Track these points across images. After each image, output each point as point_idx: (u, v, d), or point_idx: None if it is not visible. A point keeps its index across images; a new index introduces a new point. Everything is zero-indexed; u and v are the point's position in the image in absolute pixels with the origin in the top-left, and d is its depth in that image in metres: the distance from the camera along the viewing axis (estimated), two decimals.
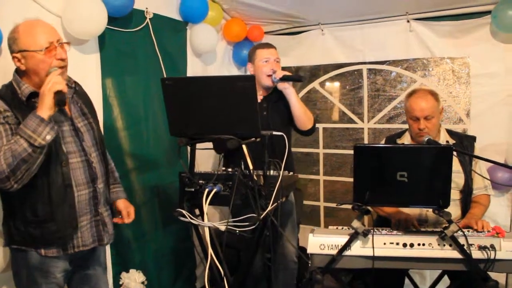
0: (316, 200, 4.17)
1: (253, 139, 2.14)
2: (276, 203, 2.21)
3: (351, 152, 3.86)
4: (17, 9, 2.42)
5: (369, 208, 2.22)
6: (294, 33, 4.11)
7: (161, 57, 3.34)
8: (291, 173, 2.60)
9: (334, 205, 4.08)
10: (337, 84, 4.13)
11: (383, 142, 2.96)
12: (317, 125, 3.91)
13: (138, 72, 3.19)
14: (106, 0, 2.76)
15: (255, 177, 2.16)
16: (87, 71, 2.83)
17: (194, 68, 3.75)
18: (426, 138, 2.54)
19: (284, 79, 2.86)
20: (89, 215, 2.12)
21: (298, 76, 2.94)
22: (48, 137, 1.82)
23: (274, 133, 2.32)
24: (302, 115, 2.92)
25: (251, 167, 2.15)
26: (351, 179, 3.85)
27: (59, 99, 1.87)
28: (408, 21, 3.55)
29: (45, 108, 1.83)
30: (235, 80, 2.03)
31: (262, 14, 3.95)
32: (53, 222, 1.96)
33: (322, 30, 3.93)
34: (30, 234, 1.96)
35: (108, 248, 2.76)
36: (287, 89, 2.89)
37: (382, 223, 2.72)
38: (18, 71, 1.99)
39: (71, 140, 2.05)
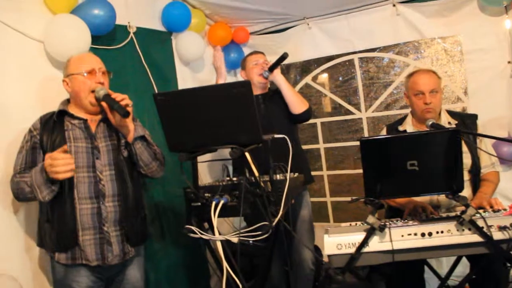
0: (322, 196, 4.13)
1: (256, 145, 2.07)
2: (286, 207, 2.14)
3: (352, 144, 3.92)
4: None
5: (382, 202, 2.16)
6: (280, 31, 4.07)
7: (150, 70, 3.27)
8: (296, 174, 2.54)
9: (341, 199, 4.04)
10: (329, 76, 4.08)
11: (384, 131, 2.90)
12: (315, 120, 3.90)
13: (127, 89, 3.11)
14: (87, 19, 2.69)
15: (262, 184, 2.09)
16: None
17: (184, 77, 3.69)
18: (430, 122, 2.48)
19: (271, 67, 3.01)
20: (93, 231, 2.15)
21: (281, 56, 2.94)
22: (47, 198, 2.03)
23: (276, 136, 2.26)
24: (294, 98, 3.01)
25: (256, 174, 2.08)
26: (355, 171, 3.91)
27: (120, 112, 2.13)
28: (394, 5, 3.51)
29: (57, 174, 1.98)
30: (230, 87, 1.95)
31: (246, 15, 3.91)
32: (59, 228, 2.11)
33: (308, 24, 3.89)
34: (48, 235, 2.13)
35: None
36: (276, 76, 3.01)
37: (393, 214, 2.67)
38: (68, 100, 2.33)
39: (83, 156, 2.18)
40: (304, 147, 4.14)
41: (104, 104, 2.20)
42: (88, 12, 2.72)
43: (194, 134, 2.08)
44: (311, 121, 3.68)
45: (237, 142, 2.01)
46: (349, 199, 3.90)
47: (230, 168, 3.14)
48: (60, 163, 1.94)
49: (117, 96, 2.18)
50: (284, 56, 2.97)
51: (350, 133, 3.96)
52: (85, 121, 2.25)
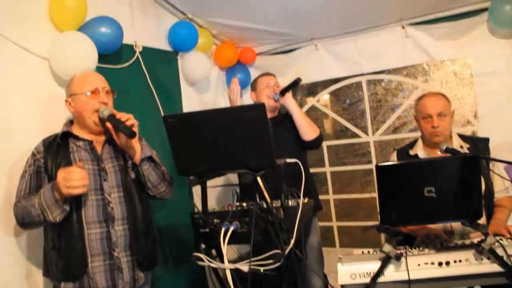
0: (329, 221, 4.04)
1: (268, 170, 2.00)
2: (299, 235, 2.07)
3: (359, 167, 3.86)
4: (2, 55, 2.33)
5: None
6: (287, 51, 4.04)
7: (155, 90, 3.24)
8: (306, 199, 2.47)
9: (347, 224, 3.95)
10: (336, 98, 4.05)
11: (394, 155, 2.84)
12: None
13: (132, 108, 3.03)
14: (94, 37, 2.65)
15: (274, 211, 2.01)
16: None
17: (189, 98, 3.66)
18: (444, 147, 2.42)
19: (283, 91, 2.92)
20: (102, 257, 2.07)
21: (294, 81, 2.89)
22: (58, 218, 1.94)
23: (288, 160, 2.20)
24: (305, 124, 2.93)
25: (269, 200, 2.01)
26: (362, 195, 3.84)
27: (126, 133, 2.05)
28: (403, 27, 3.49)
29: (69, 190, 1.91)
30: (244, 110, 1.88)
31: (253, 35, 3.89)
32: (67, 256, 2.02)
33: (316, 46, 3.86)
34: (55, 264, 2.04)
35: None
36: (288, 100, 2.93)
37: (405, 240, 2.58)
38: (71, 121, 2.27)
39: (90, 178, 2.08)
40: (310, 170, 4.07)
41: (108, 124, 2.13)
42: (95, 30, 2.68)
43: (204, 157, 2.01)
44: None
45: (248, 166, 1.94)
46: (356, 223, 3.88)
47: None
48: (76, 176, 1.88)
49: (122, 116, 2.11)
50: (297, 81, 2.93)
51: (357, 156, 3.90)
52: (90, 142, 2.19)
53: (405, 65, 3.61)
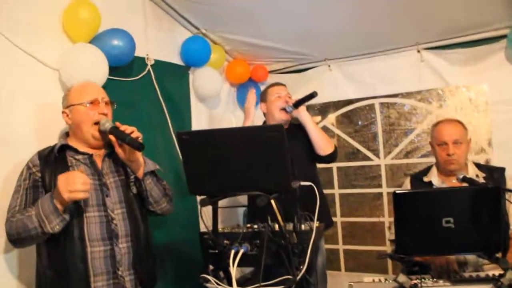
0: (335, 243, 3.96)
1: (283, 193, 1.94)
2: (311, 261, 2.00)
3: (369, 191, 3.79)
4: (12, 64, 2.31)
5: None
6: (300, 71, 4.01)
7: (165, 104, 3.19)
8: (317, 223, 2.40)
9: (354, 247, 3.87)
10: (348, 120, 3.98)
11: (407, 181, 2.78)
12: (331, 164, 3.76)
13: (141, 122, 2.98)
14: (106, 50, 2.63)
15: (287, 235, 1.95)
16: None
17: (198, 113, 3.62)
18: (461, 176, 2.36)
19: (297, 103, 2.83)
20: (106, 276, 1.96)
21: (310, 94, 2.79)
22: (57, 228, 1.83)
23: (302, 183, 2.14)
24: (320, 138, 2.85)
25: (282, 223, 1.95)
26: (371, 219, 3.76)
27: (134, 145, 1.97)
28: (418, 51, 3.45)
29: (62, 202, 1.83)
30: (262, 130, 1.84)
31: (266, 53, 3.86)
32: (67, 276, 1.90)
33: (329, 66, 3.82)
34: (50, 284, 1.92)
35: None
36: (301, 113, 2.85)
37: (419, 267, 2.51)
38: (67, 133, 2.16)
39: (91, 194, 1.98)
40: None
41: (112, 137, 2.03)
42: (107, 42, 2.66)
43: (218, 177, 1.96)
44: (327, 165, 3.56)
45: (262, 188, 1.88)
46: (363, 248, 3.80)
47: None
48: (80, 180, 1.79)
49: (126, 128, 2.02)
50: (313, 95, 2.84)
51: (367, 179, 3.83)
52: (90, 156, 2.08)
53: (419, 90, 3.56)
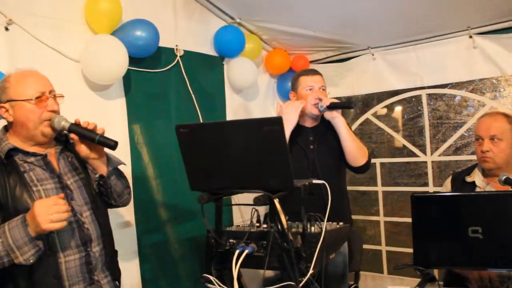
0: (377, 244, 3.74)
1: (286, 193, 1.79)
2: (318, 267, 1.84)
3: (414, 189, 3.52)
4: (34, 56, 2.33)
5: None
6: (342, 60, 3.80)
7: (195, 97, 3.12)
8: (341, 223, 2.22)
9: (397, 249, 3.62)
10: (393, 113, 3.75)
11: (449, 180, 2.51)
12: (374, 160, 3.55)
13: (169, 115, 2.98)
14: (129, 41, 2.60)
15: (291, 237, 1.81)
16: (111, 117, 2.67)
17: (234, 105, 3.52)
18: (504, 177, 2.07)
19: (331, 107, 2.55)
20: (83, 284, 1.80)
21: (347, 103, 2.61)
22: (32, 260, 1.62)
23: (314, 181, 1.98)
24: (353, 149, 2.57)
25: (285, 225, 1.80)
26: None
27: (108, 144, 1.79)
28: (470, 37, 3.14)
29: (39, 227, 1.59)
30: (260, 124, 1.69)
31: (306, 42, 3.68)
32: None
33: (373, 55, 3.59)
34: None
35: None
36: (335, 118, 2.56)
37: (453, 278, 2.26)
38: (6, 127, 1.86)
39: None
40: (360, 188, 3.81)
41: (74, 136, 1.83)
42: (130, 33, 2.62)
43: (219, 173, 1.85)
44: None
45: (265, 187, 1.75)
46: (407, 250, 3.54)
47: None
48: (62, 209, 1.61)
49: (88, 124, 1.79)
50: (350, 106, 2.66)
51: (413, 177, 3.57)
52: (44, 156, 1.82)
53: (471, 79, 3.26)
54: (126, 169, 2.71)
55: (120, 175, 2.01)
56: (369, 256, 3.75)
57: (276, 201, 1.80)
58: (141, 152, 2.81)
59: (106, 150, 1.93)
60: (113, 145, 1.79)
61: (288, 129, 2.62)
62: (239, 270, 1.89)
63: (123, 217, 2.70)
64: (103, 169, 1.90)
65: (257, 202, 1.70)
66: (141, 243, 2.76)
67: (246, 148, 1.74)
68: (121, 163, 2.01)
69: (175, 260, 2.91)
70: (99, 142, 1.78)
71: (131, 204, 2.71)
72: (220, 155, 1.80)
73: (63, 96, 1.90)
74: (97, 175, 1.92)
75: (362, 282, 3.41)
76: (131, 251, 2.72)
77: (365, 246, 3.64)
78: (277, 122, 1.66)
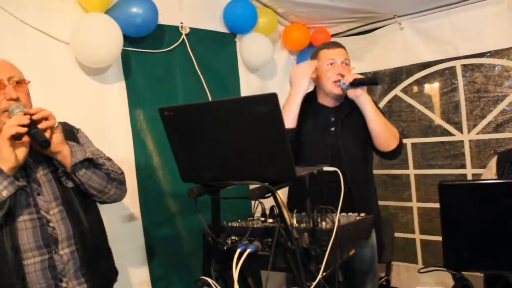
0: (410, 232, 3.46)
1: (287, 184, 1.55)
2: (331, 268, 1.60)
3: (450, 171, 3.20)
4: (21, 38, 2.19)
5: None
6: (366, 32, 3.52)
7: (204, 78, 2.90)
8: (362, 214, 1.96)
9: (432, 238, 3.32)
10: (424, 88, 3.45)
11: (494, 161, 2.14)
12: (405, 140, 3.27)
13: (176, 99, 2.78)
14: (124, 19, 2.40)
15: (296, 234, 1.57)
16: (109, 103, 2.50)
17: (249, 85, 3.29)
18: None
19: (355, 84, 2.25)
20: None
21: (373, 78, 2.35)
22: (4, 193, 1.51)
23: (325, 168, 1.72)
24: (382, 131, 2.29)
25: (289, 222, 1.56)
26: None
27: (38, 141, 1.55)
28: None
29: (4, 160, 1.52)
30: (252, 102, 1.42)
31: (326, 14, 3.40)
32: None
33: (400, 24, 3.28)
34: None
35: None
36: (360, 97, 2.27)
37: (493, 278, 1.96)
38: None
39: (18, 195, 1.60)
40: (391, 171, 3.52)
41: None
42: (126, 11, 2.42)
43: (211, 162, 1.62)
44: None
45: (263, 177, 1.50)
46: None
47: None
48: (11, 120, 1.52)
49: (38, 112, 1.59)
50: (376, 82, 2.50)
51: (448, 158, 3.26)
52: None
53: None
54: (129, 159, 2.56)
55: (97, 167, 1.75)
56: (401, 245, 3.48)
57: (278, 193, 1.57)
58: (145, 140, 2.62)
59: (84, 139, 1.79)
60: (41, 143, 1.56)
61: (298, 97, 2.36)
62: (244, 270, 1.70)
63: (127, 209, 2.53)
64: (67, 164, 1.68)
65: (252, 195, 1.46)
66: (148, 238, 2.59)
67: (238, 132, 1.50)
68: (87, 154, 1.73)
69: (186, 255, 2.73)
70: (31, 136, 1.57)
71: (135, 196, 2.57)
72: (210, 141, 1.57)
73: (27, 82, 1.70)
74: (60, 170, 1.70)
75: (394, 273, 3.18)
76: (137, 246, 2.57)
77: (396, 235, 3.38)
78: (271, 99, 1.40)
